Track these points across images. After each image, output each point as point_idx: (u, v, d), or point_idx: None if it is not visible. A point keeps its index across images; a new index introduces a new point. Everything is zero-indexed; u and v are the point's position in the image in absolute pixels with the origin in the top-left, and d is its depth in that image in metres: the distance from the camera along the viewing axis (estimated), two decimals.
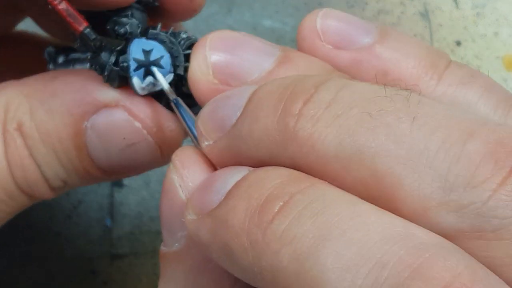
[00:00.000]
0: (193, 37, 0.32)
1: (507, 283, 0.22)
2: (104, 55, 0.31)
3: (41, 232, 0.45)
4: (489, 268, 0.22)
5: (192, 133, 0.29)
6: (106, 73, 0.31)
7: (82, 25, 0.30)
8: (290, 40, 0.48)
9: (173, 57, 0.31)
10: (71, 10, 0.30)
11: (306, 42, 0.30)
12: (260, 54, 0.30)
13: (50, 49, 0.35)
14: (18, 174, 0.32)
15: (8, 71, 0.33)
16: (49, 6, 0.30)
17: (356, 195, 0.24)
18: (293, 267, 0.22)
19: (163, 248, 0.29)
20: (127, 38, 0.31)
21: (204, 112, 0.28)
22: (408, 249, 0.21)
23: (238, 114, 0.26)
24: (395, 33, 0.30)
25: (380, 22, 0.48)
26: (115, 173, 0.33)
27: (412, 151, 0.23)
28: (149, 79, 0.31)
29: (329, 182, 0.24)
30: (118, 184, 0.46)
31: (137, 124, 0.31)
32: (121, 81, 0.31)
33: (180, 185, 0.28)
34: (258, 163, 0.26)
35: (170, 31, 0.32)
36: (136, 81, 0.31)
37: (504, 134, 0.23)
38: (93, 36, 0.30)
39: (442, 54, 0.30)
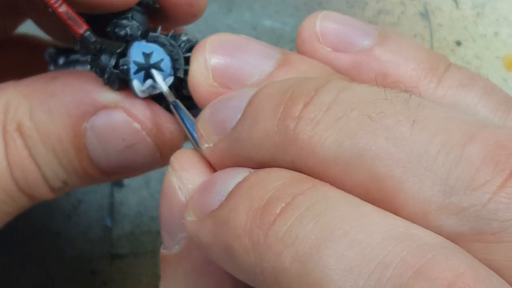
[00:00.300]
0: (193, 40, 0.32)
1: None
2: (104, 58, 0.31)
3: (41, 232, 0.45)
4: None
5: (192, 135, 0.29)
6: (106, 76, 0.31)
7: (82, 28, 0.30)
8: (290, 40, 0.48)
9: (173, 60, 0.31)
10: (71, 13, 0.30)
11: (306, 44, 0.30)
12: (260, 56, 0.30)
13: (51, 50, 0.35)
14: (18, 175, 0.32)
15: (9, 74, 0.33)
16: (49, 9, 0.30)
17: (357, 195, 0.24)
18: (295, 268, 0.22)
19: (163, 251, 0.29)
20: (127, 41, 0.31)
21: (204, 114, 0.28)
22: (411, 250, 0.21)
23: (239, 116, 0.27)
24: (394, 35, 0.30)
25: (380, 22, 0.48)
26: (114, 174, 0.33)
27: (412, 154, 0.23)
28: (149, 82, 0.31)
29: (329, 183, 0.24)
30: (118, 184, 0.46)
31: (136, 125, 0.31)
32: (121, 83, 0.31)
33: (179, 187, 0.28)
34: (258, 166, 0.26)
35: (170, 34, 0.32)
36: (136, 84, 0.31)
37: (504, 136, 0.23)
38: (93, 38, 0.30)
39: (442, 57, 0.30)
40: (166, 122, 0.32)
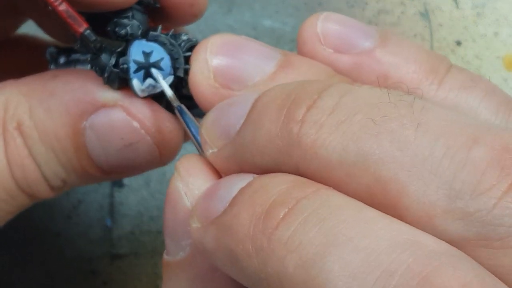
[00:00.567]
0: (194, 39, 0.32)
1: None
2: (104, 57, 0.31)
3: (41, 232, 0.45)
4: (495, 276, 0.22)
5: (197, 140, 0.29)
6: (106, 75, 0.31)
7: (82, 27, 0.30)
8: (290, 40, 0.48)
9: (173, 59, 0.31)
10: (71, 12, 0.30)
11: (307, 45, 0.30)
12: (261, 57, 0.30)
13: (52, 49, 0.35)
14: (18, 174, 0.32)
15: (9, 74, 0.33)
16: (49, 7, 0.30)
17: (361, 199, 0.24)
18: (299, 274, 0.22)
19: (166, 257, 0.29)
20: (128, 40, 0.31)
21: (207, 120, 0.28)
22: (417, 257, 0.21)
23: (242, 121, 0.26)
24: (395, 37, 0.30)
25: (380, 22, 0.48)
26: (114, 172, 0.33)
27: (416, 158, 0.23)
28: (149, 81, 0.31)
29: (334, 187, 0.24)
30: (118, 184, 0.46)
31: (135, 124, 0.31)
32: (121, 82, 0.31)
33: (185, 193, 0.28)
34: (263, 171, 0.26)
35: (170, 33, 0.32)
36: (136, 83, 0.31)
37: (510, 139, 0.23)
38: (93, 37, 0.30)
39: (443, 58, 0.30)
40: (165, 121, 0.32)
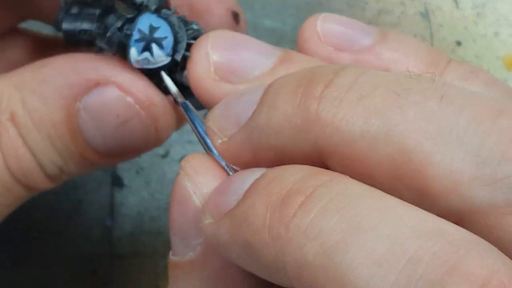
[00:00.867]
0: (203, 31, 0.32)
1: None
2: (112, 18, 0.31)
3: (41, 232, 0.45)
4: None
5: (202, 136, 0.29)
6: (108, 34, 0.31)
7: None
8: (290, 40, 0.48)
9: (176, 42, 0.31)
10: None
11: (307, 44, 0.30)
12: (261, 53, 0.30)
13: None
14: (13, 165, 0.31)
15: (8, 66, 0.33)
16: None
17: (382, 177, 0.23)
18: (320, 262, 0.22)
19: (173, 258, 0.28)
20: (140, 10, 0.31)
21: (215, 112, 0.28)
22: (443, 245, 0.21)
23: (254, 107, 0.26)
24: (394, 34, 0.31)
25: (380, 22, 0.48)
26: (111, 155, 0.32)
27: (442, 127, 0.23)
28: (146, 54, 0.31)
29: (354, 163, 0.24)
30: (118, 184, 0.46)
31: (129, 99, 0.31)
32: (119, 48, 0.31)
33: (194, 192, 0.27)
34: (277, 153, 0.26)
35: (183, 17, 0.32)
36: (133, 52, 0.31)
37: None
38: None
39: (442, 52, 0.30)
40: (157, 95, 0.31)
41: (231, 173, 0.27)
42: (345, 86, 0.24)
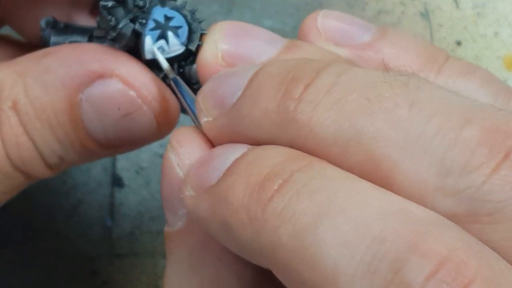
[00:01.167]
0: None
1: None
2: (121, 12, 0.31)
3: (41, 232, 0.45)
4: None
5: (192, 111, 0.29)
6: (120, 26, 0.31)
7: None
8: None
9: (191, 32, 0.31)
10: None
11: (308, 39, 0.31)
12: (268, 40, 0.30)
13: (50, 18, 0.35)
14: (13, 152, 0.31)
15: None
16: None
17: None
18: (292, 244, 0.22)
19: (166, 229, 0.29)
20: (144, 12, 0.31)
21: (205, 88, 0.28)
22: (406, 225, 0.21)
23: (239, 93, 0.27)
24: (393, 30, 0.31)
25: (380, 22, 0.48)
26: (111, 146, 0.33)
27: (409, 137, 0.23)
28: (161, 42, 0.31)
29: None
30: (118, 184, 0.46)
31: (132, 93, 0.31)
32: (130, 40, 0.31)
33: (177, 164, 0.28)
34: (255, 144, 0.26)
35: (193, 10, 0.32)
36: (148, 40, 0.31)
37: (500, 120, 0.23)
38: None
39: (441, 49, 0.31)
40: (161, 90, 0.32)
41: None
42: (323, 87, 0.25)
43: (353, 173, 0.24)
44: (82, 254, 0.45)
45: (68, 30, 0.34)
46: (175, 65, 0.32)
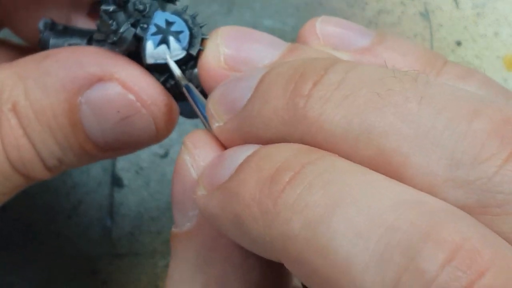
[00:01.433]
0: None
1: None
2: (121, 16, 0.31)
3: (41, 232, 0.45)
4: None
5: (204, 116, 0.30)
6: (121, 30, 0.31)
7: None
8: (290, 40, 0.47)
9: (192, 37, 0.31)
10: None
11: (307, 45, 0.31)
12: (270, 44, 0.30)
13: (48, 20, 0.35)
14: (13, 155, 0.32)
15: None
16: None
17: None
18: (304, 234, 0.23)
19: (174, 229, 0.30)
20: (144, 16, 0.31)
21: (215, 95, 0.29)
22: (419, 214, 0.22)
23: (249, 96, 0.27)
24: (392, 35, 0.31)
25: (380, 22, 0.48)
26: (110, 149, 0.33)
27: (419, 130, 0.23)
28: (163, 47, 0.31)
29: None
30: (118, 184, 0.46)
31: (131, 96, 0.31)
32: (131, 44, 0.31)
33: (191, 165, 0.29)
34: (267, 144, 0.26)
35: (194, 15, 0.32)
36: (149, 45, 0.31)
37: (510, 112, 0.23)
38: None
39: (439, 54, 0.31)
40: (161, 94, 0.32)
41: None
42: (332, 84, 0.25)
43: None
44: (82, 254, 0.45)
45: (67, 33, 0.34)
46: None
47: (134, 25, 0.31)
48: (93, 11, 0.37)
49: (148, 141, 0.33)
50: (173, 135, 0.35)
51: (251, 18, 0.48)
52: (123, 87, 0.31)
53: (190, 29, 0.32)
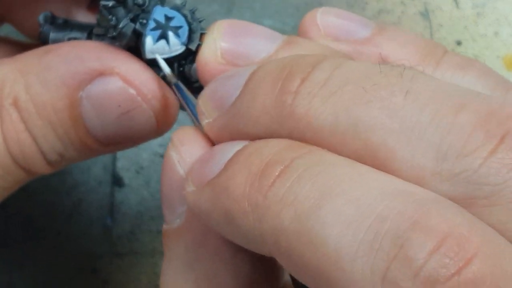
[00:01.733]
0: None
1: None
2: (120, 11, 0.31)
3: (41, 231, 0.45)
4: None
5: (194, 114, 0.30)
6: (121, 25, 0.31)
7: None
8: None
9: (191, 32, 0.32)
10: None
11: (308, 35, 0.31)
12: (266, 38, 0.30)
13: (48, 13, 0.35)
14: (14, 149, 0.32)
15: None
16: None
17: None
18: (294, 227, 0.23)
19: (164, 226, 0.30)
20: (143, 10, 0.31)
21: (205, 92, 0.29)
22: (407, 203, 0.22)
23: (238, 93, 0.27)
24: (392, 26, 0.32)
25: (380, 22, 0.48)
26: (111, 143, 0.33)
27: (404, 124, 0.24)
28: (162, 42, 0.31)
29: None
30: (118, 183, 0.46)
31: (132, 90, 0.31)
32: (130, 39, 0.31)
33: (178, 161, 0.29)
34: (255, 140, 0.26)
35: (193, 9, 0.32)
36: (149, 40, 0.31)
37: (495, 105, 0.23)
38: None
39: (439, 44, 0.31)
40: (161, 88, 0.32)
41: None
42: (319, 81, 0.25)
43: None
44: (82, 253, 0.45)
45: (67, 26, 0.34)
46: (175, 64, 0.32)
47: (133, 20, 0.31)
48: (93, 5, 0.37)
49: (148, 135, 0.33)
50: None
51: (251, 18, 0.48)
52: (124, 82, 0.31)
53: (189, 24, 0.32)
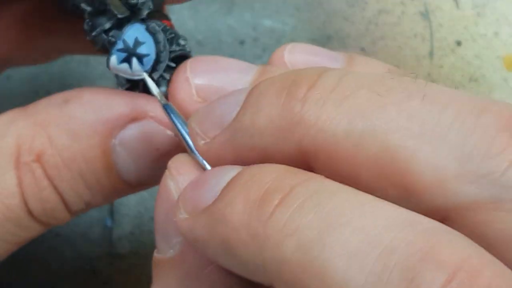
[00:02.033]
0: (188, 50, 0.32)
1: None
2: (101, 19, 0.31)
3: None
4: (506, 241, 0.22)
5: (184, 137, 0.29)
6: (94, 34, 0.31)
7: None
8: (290, 40, 0.48)
9: (157, 61, 0.31)
10: None
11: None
12: (241, 70, 0.30)
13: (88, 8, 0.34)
14: (36, 206, 0.31)
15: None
16: None
17: (367, 176, 0.24)
18: (298, 257, 0.22)
19: (156, 255, 0.28)
20: (134, 11, 0.31)
21: (198, 114, 0.28)
22: (416, 235, 0.21)
23: (238, 109, 0.27)
24: (361, 57, 0.31)
25: (380, 22, 0.48)
26: (142, 185, 0.32)
27: (425, 126, 0.23)
28: (125, 66, 0.31)
29: (339, 163, 0.24)
30: None
31: (169, 132, 0.31)
32: (103, 48, 0.31)
33: (175, 191, 0.28)
34: (260, 154, 0.26)
35: (171, 30, 0.32)
36: (113, 59, 0.31)
37: None
38: None
39: (407, 71, 0.31)
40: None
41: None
42: (328, 87, 0.25)
43: (366, 167, 0.24)
44: (82, 254, 0.45)
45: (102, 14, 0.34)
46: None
47: (107, 31, 0.31)
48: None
49: None
50: None
51: (251, 18, 0.48)
52: (160, 124, 0.31)
53: (158, 53, 0.31)
